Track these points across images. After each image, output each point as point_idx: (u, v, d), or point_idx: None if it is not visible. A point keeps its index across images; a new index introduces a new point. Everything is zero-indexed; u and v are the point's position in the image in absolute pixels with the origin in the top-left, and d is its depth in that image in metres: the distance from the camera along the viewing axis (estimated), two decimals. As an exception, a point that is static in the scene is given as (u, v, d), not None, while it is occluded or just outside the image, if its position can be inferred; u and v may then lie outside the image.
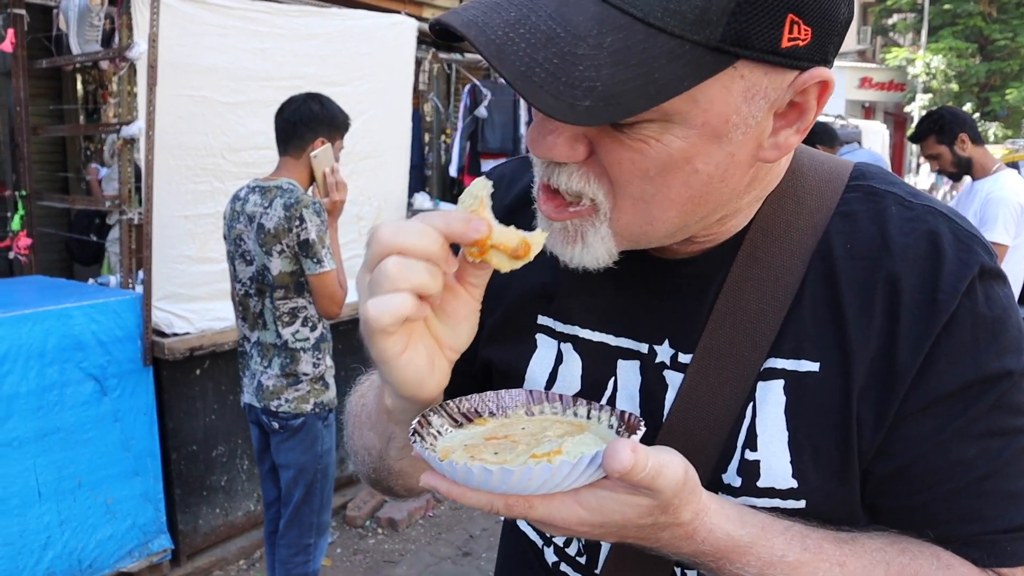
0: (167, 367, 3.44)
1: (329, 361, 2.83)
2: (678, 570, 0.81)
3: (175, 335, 3.45)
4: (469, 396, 0.74)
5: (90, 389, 3.14)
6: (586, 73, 0.57)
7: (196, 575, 3.63)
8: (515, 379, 0.90)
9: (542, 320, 0.89)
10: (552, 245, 0.72)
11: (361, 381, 0.99)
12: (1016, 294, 3.76)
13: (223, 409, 3.72)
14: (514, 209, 0.92)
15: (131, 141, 3.36)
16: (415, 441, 0.65)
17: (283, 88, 3.39)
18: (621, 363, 0.83)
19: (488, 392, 0.76)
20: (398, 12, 4.81)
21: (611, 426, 0.70)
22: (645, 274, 0.82)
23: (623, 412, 0.70)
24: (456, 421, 0.72)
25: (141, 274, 3.38)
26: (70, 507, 3.11)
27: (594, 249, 0.71)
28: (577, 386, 0.85)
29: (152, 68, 3.15)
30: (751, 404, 0.76)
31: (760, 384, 0.75)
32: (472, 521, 4.19)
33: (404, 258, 0.62)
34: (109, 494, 3.24)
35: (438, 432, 0.70)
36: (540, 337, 0.89)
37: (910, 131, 4.09)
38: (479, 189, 0.66)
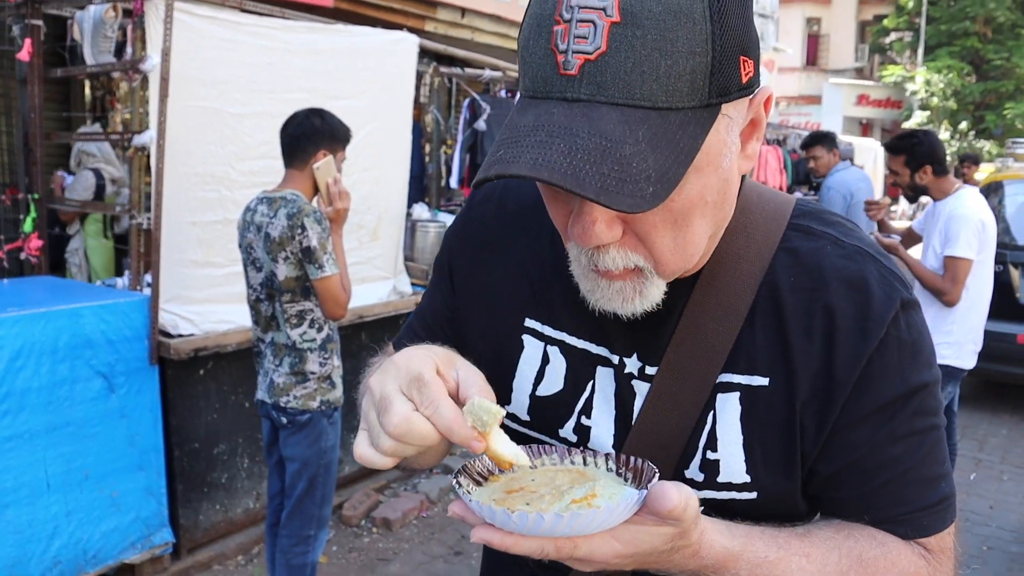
0: (172, 366, 3.56)
1: (337, 361, 2.97)
2: None
3: (180, 336, 3.57)
4: (481, 457, 0.80)
5: (98, 386, 3.26)
6: (640, 166, 0.68)
7: (196, 568, 3.73)
8: (504, 375, 1.00)
9: (530, 323, 0.99)
10: (609, 305, 0.83)
11: (373, 363, 1.09)
12: (984, 305, 3.89)
13: (225, 408, 3.84)
14: (509, 222, 1.02)
15: (142, 149, 3.49)
16: (469, 501, 0.72)
17: (289, 101, 3.53)
18: (599, 369, 0.95)
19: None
20: (401, 28, 4.96)
21: (610, 469, 0.81)
22: None
23: (617, 456, 0.81)
24: (476, 481, 0.80)
25: (149, 277, 3.52)
26: (77, 499, 3.22)
27: (651, 296, 0.82)
28: (560, 385, 0.96)
29: (164, 81, 3.28)
30: (712, 412, 0.89)
31: (720, 395, 0.88)
32: (464, 523, 4.29)
33: (400, 444, 0.72)
34: (114, 487, 3.35)
35: (468, 491, 0.76)
36: (527, 338, 0.99)
37: (886, 141, 4.23)
38: (493, 416, 0.71)
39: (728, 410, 0.88)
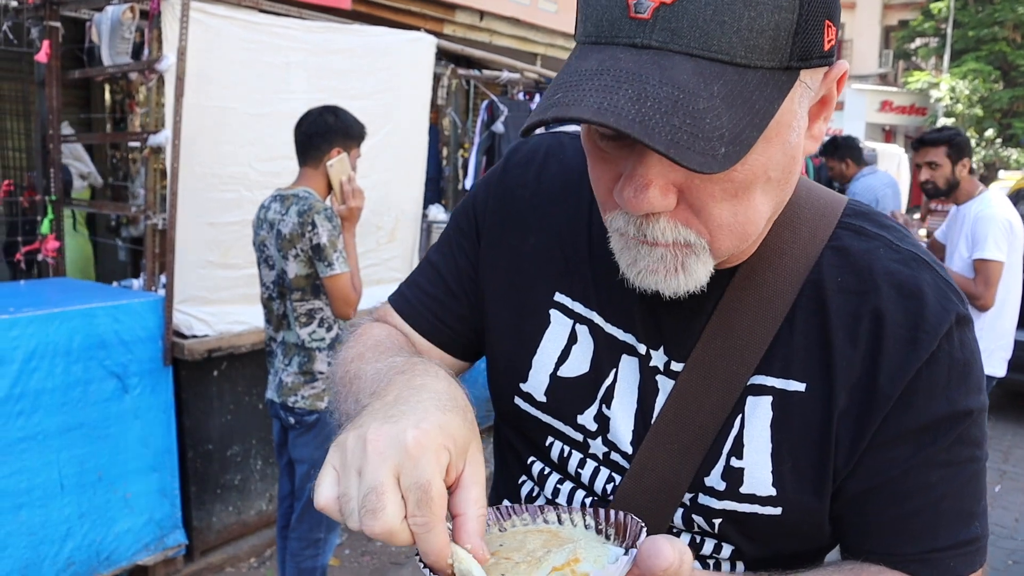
0: (186, 367, 3.55)
1: None
2: None
3: (194, 337, 3.56)
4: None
5: (112, 386, 3.25)
6: (713, 123, 0.62)
7: (208, 571, 3.72)
8: (524, 350, 0.93)
9: (559, 298, 0.92)
10: (651, 278, 0.75)
11: (356, 335, 1.01)
12: (1015, 309, 3.80)
13: (239, 410, 3.82)
14: (548, 190, 0.95)
15: (158, 150, 3.49)
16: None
17: (307, 101, 3.51)
18: (624, 358, 0.88)
19: None
20: (418, 29, 4.94)
21: (588, 526, 0.72)
22: None
23: (596, 511, 0.72)
24: None
25: (164, 277, 3.51)
26: (90, 500, 3.20)
27: (696, 275, 0.74)
28: (586, 368, 0.89)
29: (180, 80, 3.27)
30: (740, 415, 0.82)
31: (750, 398, 0.82)
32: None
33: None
34: (128, 489, 3.33)
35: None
36: (554, 313, 0.92)
37: (919, 135, 4.10)
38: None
39: (758, 415, 0.81)
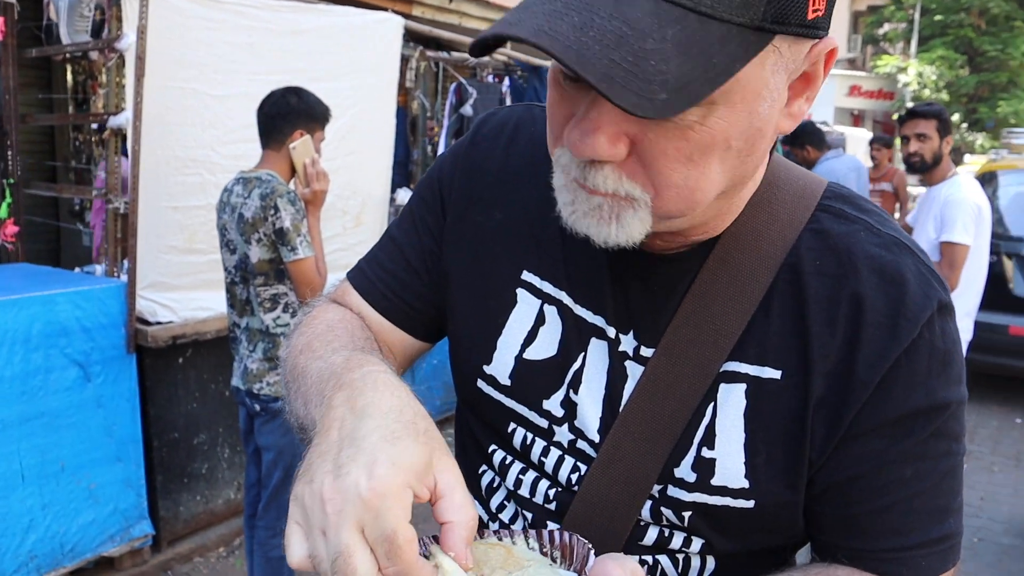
0: (150, 355, 3.48)
1: None
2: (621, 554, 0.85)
3: (158, 323, 3.49)
4: None
5: (74, 375, 3.18)
6: (658, 67, 0.58)
7: (176, 561, 3.66)
8: (489, 332, 0.89)
9: (527, 276, 0.88)
10: (583, 223, 0.71)
11: (308, 318, 0.97)
12: (978, 292, 3.84)
13: (205, 397, 3.76)
14: (517, 164, 0.91)
15: (119, 131, 3.41)
16: None
17: (271, 82, 3.42)
18: (593, 341, 0.84)
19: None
20: (386, 10, 4.87)
21: (532, 548, 0.69)
22: (624, 263, 0.83)
23: (538, 532, 0.69)
24: None
25: (126, 263, 3.43)
26: (53, 491, 3.14)
27: (629, 228, 0.70)
28: (554, 350, 0.86)
29: (140, 60, 3.19)
30: (712, 404, 0.79)
31: (723, 386, 0.78)
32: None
33: None
34: (91, 479, 3.27)
35: None
36: (521, 293, 0.88)
37: (904, 112, 4.10)
38: None
39: (731, 403, 0.78)
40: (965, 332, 3.84)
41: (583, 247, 0.80)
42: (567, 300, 0.86)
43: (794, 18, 0.63)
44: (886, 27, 27.29)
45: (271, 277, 2.74)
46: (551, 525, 0.86)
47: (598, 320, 0.84)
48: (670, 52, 0.58)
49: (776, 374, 0.77)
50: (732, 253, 0.80)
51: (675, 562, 0.84)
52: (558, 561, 0.67)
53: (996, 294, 6.15)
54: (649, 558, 0.84)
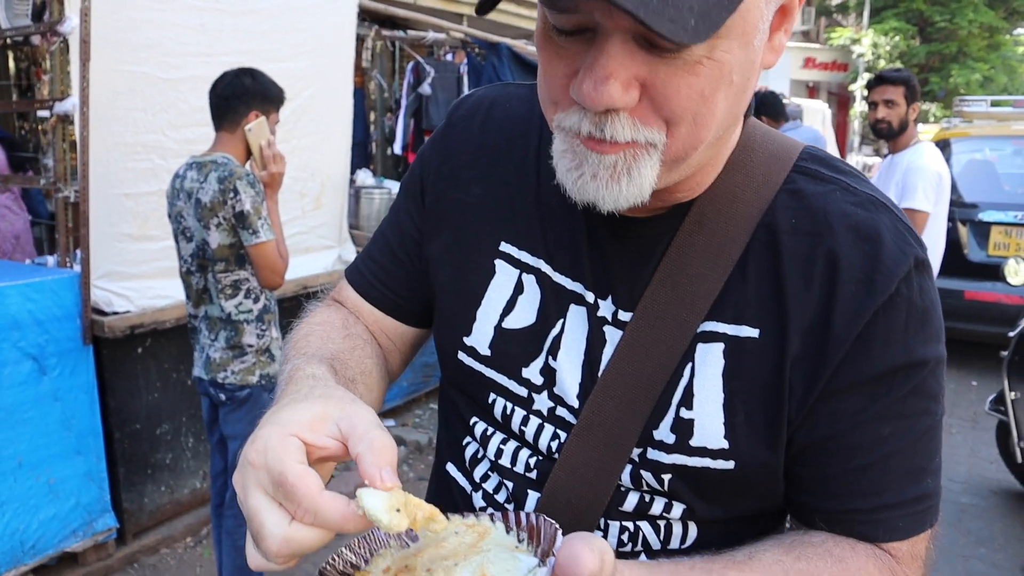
0: (108, 346, 3.41)
1: (275, 332, 2.84)
2: (602, 520, 0.84)
3: (115, 313, 3.41)
4: (340, 550, 0.68)
5: (28, 368, 3.10)
6: None
7: (142, 553, 3.61)
8: (468, 304, 0.90)
9: (505, 247, 0.89)
10: (591, 186, 0.70)
11: (301, 323, 0.99)
12: (937, 260, 3.91)
13: (166, 387, 3.70)
14: (493, 139, 0.92)
15: (65, 118, 3.31)
16: None
17: (224, 64, 3.35)
18: (572, 307, 0.85)
19: (355, 538, 0.69)
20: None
21: (498, 529, 0.68)
22: (602, 229, 0.84)
23: (504, 514, 0.68)
24: None
25: (79, 253, 3.35)
26: (11, 488, 3.07)
27: (640, 180, 0.69)
28: (532, 319, 0.86)
29: (85, 43, 3.09)
30: (690, 364, 0.79)
31: (700, 346, 0.78)
32: (421, 491, 4.24)
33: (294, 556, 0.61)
34: (51, 474, 3.20)
35: None
36: (500, 264, 0.89)
37: (873, 77, 4.11)
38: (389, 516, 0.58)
39: (709, 363, 0.78)
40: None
41: (561, 216, 0.82)
42: (545, 268, 0.86)
43: None
44: (838, -1, 27.54)
45: (232, 263, 2.69)
46: (531, 495, 0.86)
47: (577, 286, 0.85)
48: None
49: (754, 333, 0.77)
50: (708, 215, 0.80)
51: (656, 529, 0.83)
52: (524, 542, 0.65)
53: (951, 260, 6.27)
54: (630, 525, 0.83)
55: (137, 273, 3.56)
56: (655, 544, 0.84)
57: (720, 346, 0.78)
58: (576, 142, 0.70)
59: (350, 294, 1.03)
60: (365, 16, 4.90)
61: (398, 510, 0.58)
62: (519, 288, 0.87)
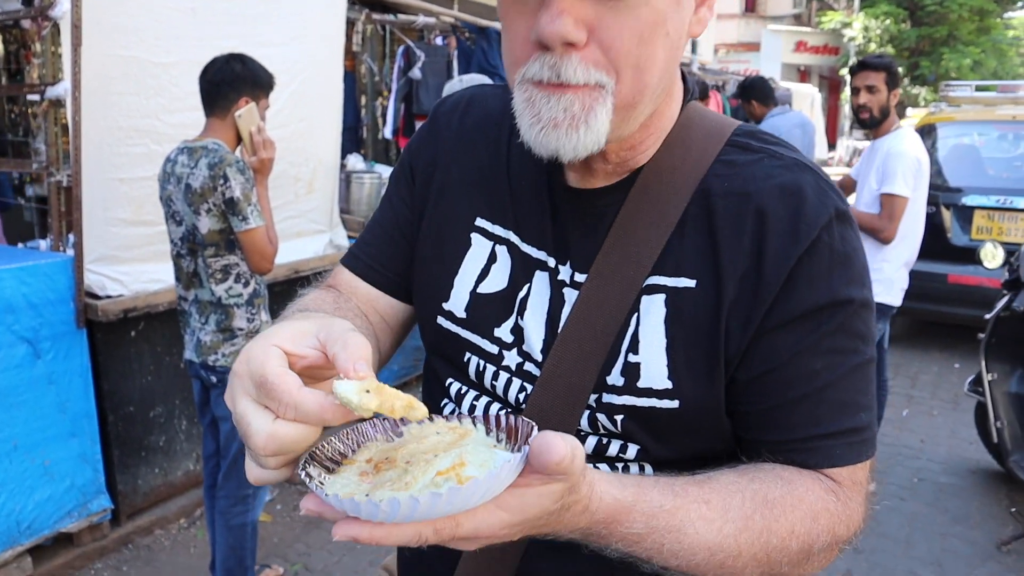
0: (101, 329, 3.45)
1: (265, 316, 2.89)
2: None
3: (108, 297, 3.45)
4: (329, 439, 0.70)
5: (23, 352, 3.14)
6: None
7: (136, 534, 3.67)
8: (446, 272, 1.00)
9: (480, 222, 1.00)
10: (551, 139, 0.79)
11: (303, 294, 1.05)
12: (915, 243, 3.96)
13: (159, 370, 3.74)
14: (471, 130, 1.04)
15: (58, 102, 3.32)
16: (325, 496, 0.61)
17: (215, 48, 3.36)
18: (538, 273, 0.95)
19: (344, 430, 0.72)
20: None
21: (479, 431, 0.71)
22: (561, 201, 0.95)
23: (485, 417, 0.71)
24: (327, 468, 0.68)
25: (72, 237, 3.37)
26: (6, 469, 3.11)
27: (596, 126, 0.79)
28: (504, 284, 0.96)
29: (76, 28, 3.11)
30: (636, 314, 0.88)
31: (645, 297, 0.88)
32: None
33: (284, 456, 0.65)
34: (46, 456, 3.25)
35: (320, 483, 0.64)
36: (475, 236, 1.00)
37: (855, 62, 4.14)
38: (365, 401, 0.62)
39: (652, 312, 0.87)
40: (901, 281, 3.96)
41: (528, 192, 0.95)
42: (515, 239, 0.97)
43: None
44: (830, -18, 27.48)
45: (221, 247, 2.73)
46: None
47: (541, 254, 0.95)
48: None
49: (691, 283, 0.86)
50: (651, 185, 0.90)
51: (615, 471, 0.91)
52: (502, 442, 0.69)
53: (935, 244, 6.35)
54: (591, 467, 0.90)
55: (130, 257, 3.59)
56: None
57: (662, 296, 0.87)
58: (535, 90, 0.80)
59: (344, 277, 1.10)
60: (355, 0, 4.91)
61: (368, 391, 0.62)
62: (492, 258, 0.98)
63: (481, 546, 0.66)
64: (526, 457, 0.63)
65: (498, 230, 0.99)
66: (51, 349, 3.23)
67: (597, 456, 0.91)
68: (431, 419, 0.71)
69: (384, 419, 0.72)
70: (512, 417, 0.70)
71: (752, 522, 0.79)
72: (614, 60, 0.78)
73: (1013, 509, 4.13)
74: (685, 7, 0.82)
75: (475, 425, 0.71)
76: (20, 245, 4.02)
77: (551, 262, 0.94)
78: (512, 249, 0.97)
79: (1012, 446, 3.92)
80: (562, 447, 0.62)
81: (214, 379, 2.82)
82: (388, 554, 1.23)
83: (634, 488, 0.75)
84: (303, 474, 0.64)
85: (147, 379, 3.70)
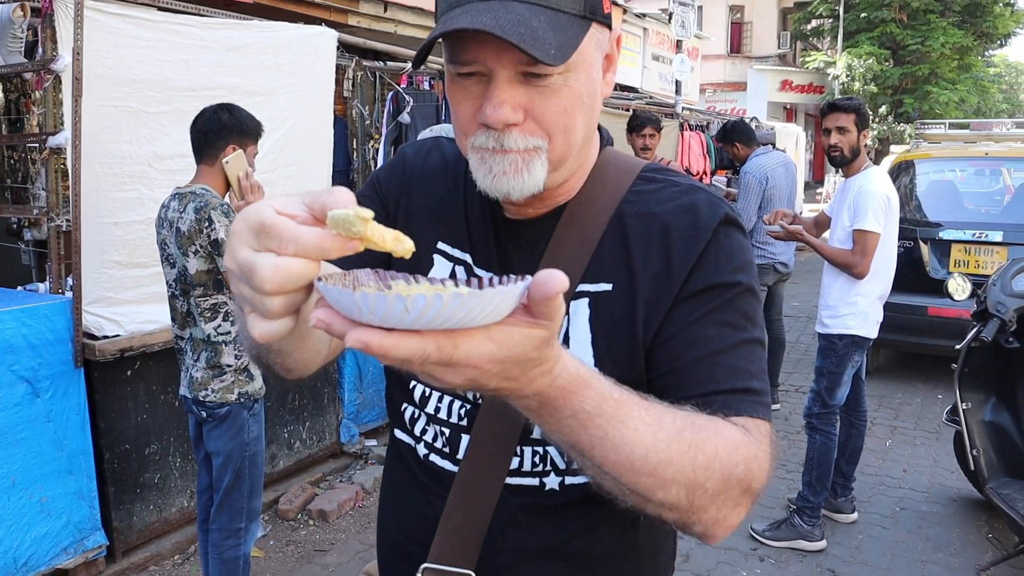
0: (98, 368, 3.54)
1: None
2: (518, 448, 1.07)
3: (105, 337, 3.55)
4: (325, 276, 0.69)
5: (22, 391, 3.22)
6: (544, 36, 0.89)
7: (131, 571, 3.72)
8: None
9: (441, 245, 1.15)
10: (503, 179, 0.97)
11: None
12: (887, 277, 4.08)
13: (155, 408, 3.83)
14: (432, 169, 1.22)
15: (58, 150, 3.46)
16: (352, 292, 0.60)
17: (207, 98, 3.52)
18: None
19: (341, 272, 0.74)
20: (322, 22, 4.97)
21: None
22: (504, 231, 1.12)
23: (468, 279, 0.73)
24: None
25: (70, 279, 3.48)
26: (4, 506, 3.18)
27: (536, 175, 0.98)
28: None
29: (78, 80, 3.25)
30: (567, 318, 1.05)
31: (573, 303, 1.05)
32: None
33: (286, 297, 0.66)
34: (43, 493, 3.32)
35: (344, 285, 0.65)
36: (437, 258, 1.15)
37: (825, 104, 4.27)
38: (360, 219, 0.64)
39: (579, 313, 1.05)
40: (876, 314, 4.07)
41: (479, 221, 1.13)
42: (470, 260, 1.14)
43: (599, 12, 0.98)
44: (814, 23, 28.04)
45: (210, 287, 2.85)
46: (463, 438, 1.10)
47: (489, 275, 1.08)
48: (547, 28, 0.90)
49: (608, 287, 1.05)
50: (576, 214, 1.09)
51: (560, 450, 1.04)
52: None
53: (914, 277, 6.49)
54: (540, 449, 1.07)
55: (126, 299, 3.70)
56: (561, 464, 1.07)
57: (586, 300, 1.06)
58: (487, 153, 0.98)
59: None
60: (346, 49, 5.09)
61: (360, 218, 0.63)
62: (452, 276, 1.11)
63: (463, 380, 0.68)
64: (527, 290, 0.65)
65: (456, 252, 1.14)
66: (49, 388, 3.32)
67: (545, 439, 1.05)
68: (415, 280, 0.73)
69: (376, 271, 0.74)
70: (503, 277, 0.72)
71: (683, 436, 0.85)
72: (546, 128, 0.97)
73: (991, 535, 4.21)
74: (595, 79, 1.00)
75: (458, 287, 0.69)
76: (19, 288, 4.12)
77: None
78: (468, 270, 1.13)
79: (988, 473, 4.00)
80: (563, 279, 0.65)
81: (204, 414, 2.92)
82: (369, 561, 1.33)
83: (591, 371, 0.81)
84: (320, 283, 0.64)
85: (142, 417, 3.78)
